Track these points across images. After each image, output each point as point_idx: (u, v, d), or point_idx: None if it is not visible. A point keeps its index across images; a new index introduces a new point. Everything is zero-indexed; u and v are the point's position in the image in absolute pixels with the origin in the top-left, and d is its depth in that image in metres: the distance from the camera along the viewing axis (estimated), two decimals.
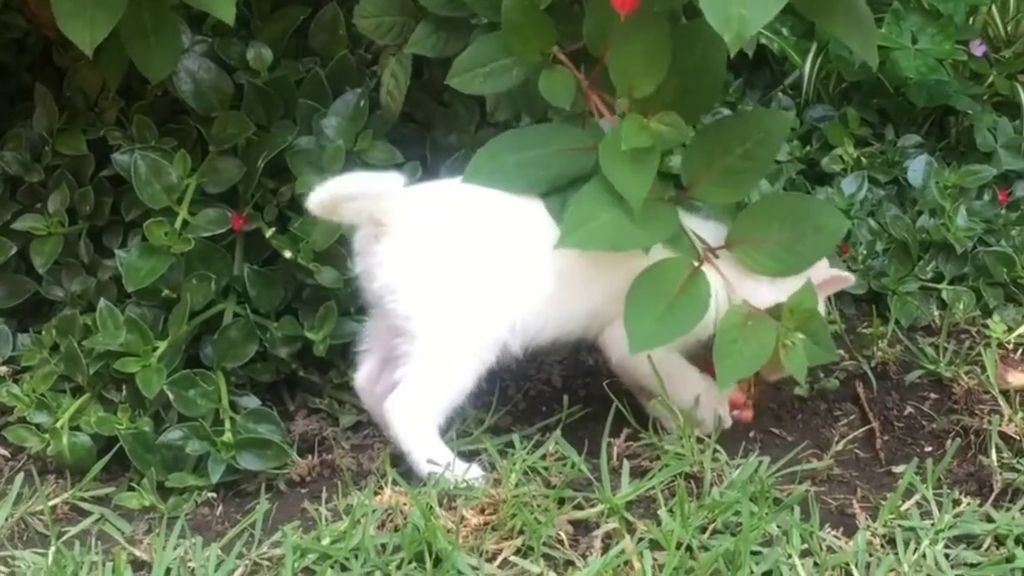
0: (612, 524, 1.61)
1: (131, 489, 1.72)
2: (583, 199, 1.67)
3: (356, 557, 1.55)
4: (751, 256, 1.74)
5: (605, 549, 1.58)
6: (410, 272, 1.70)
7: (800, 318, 1.69)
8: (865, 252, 2.22)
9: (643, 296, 1.68)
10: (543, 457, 1.74)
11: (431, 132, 2.08)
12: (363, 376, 1.80)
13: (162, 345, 1.81)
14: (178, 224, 1.87)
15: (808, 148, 2.47)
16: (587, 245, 1.67)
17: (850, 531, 1.63)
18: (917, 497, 1.69)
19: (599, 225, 1.66)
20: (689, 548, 1.56)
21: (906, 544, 1.59)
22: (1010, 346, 2.09)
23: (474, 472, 1.70)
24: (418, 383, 1.69)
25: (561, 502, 1.65)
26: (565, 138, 1.73)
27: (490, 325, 1.71)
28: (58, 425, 1.76)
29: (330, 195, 1.67)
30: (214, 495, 1.74)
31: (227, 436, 1.75)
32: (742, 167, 1.73)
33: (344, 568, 1.54)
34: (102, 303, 1.83)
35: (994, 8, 2.64)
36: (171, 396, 1.76)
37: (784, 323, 1.69)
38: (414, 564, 1.53)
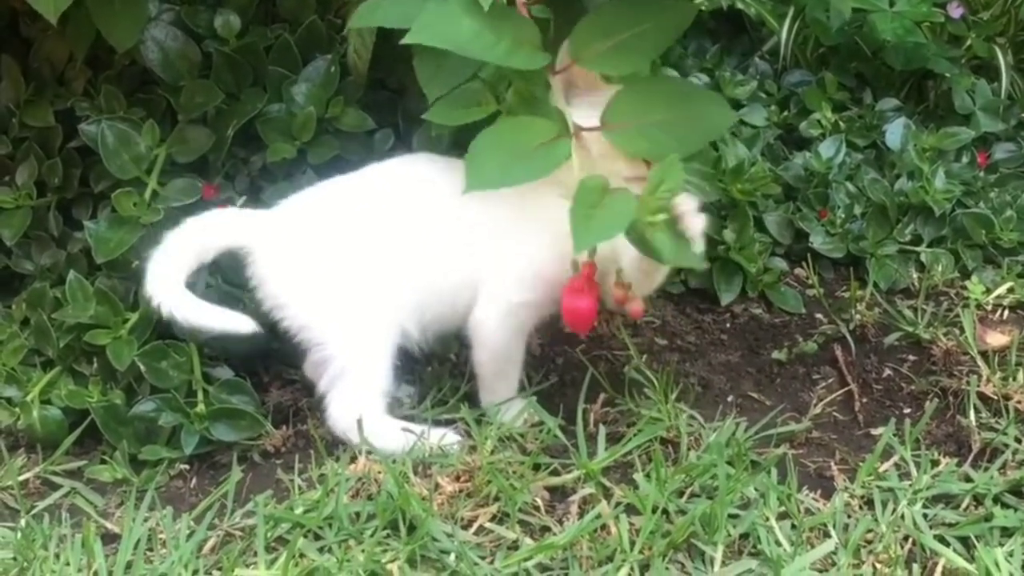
0: (588, 489, 1.61)
1: (103, 462, 1.70)
2: (447, 5, 1.59)
3: (330, 526, 1.53)
4: (624, 137, 1.64)
5: (581, 514, 1.57)
6: (287, 286, 1.72)
7: (662, 198, 1.56)
8: (843, 215, 2.21)
9: (496, 139, 1.61)
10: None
11: (403, 99, 2.05)
12: (309, 365, 1.81)
13: (133, 317, 1.78)
14: (147, 195, 1.85)
15: (786, 113, 2.45)
16: (436, 41, 1.59)
17: (828, 493, 1.62)
18: (895, 458, 1.69)
19: (457, 28, 1.58)
20: (666, 512, 1.55)
21: (884, 505, 1.59)
22: (988, 307, 2.08)
23: (450, 438, 1.68)
24: (344, 388, 1.70)
25: (537, 468, 1.64)
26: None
27: (380, 310, 1.70)
28: (28, 399, 1.73)
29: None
30: (187, 467, 1.72)
31: (200, 407, 1.73)
32: (633, 46, 1.65)
33: (317, 537, 1.53)
34: (71, 275, 1.81)
35: None
36: (143, 368, 1.73)
37: (645, 200, 1.57)
38: (388, 532, 1.52)
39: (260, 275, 1.73)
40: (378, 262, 1.70)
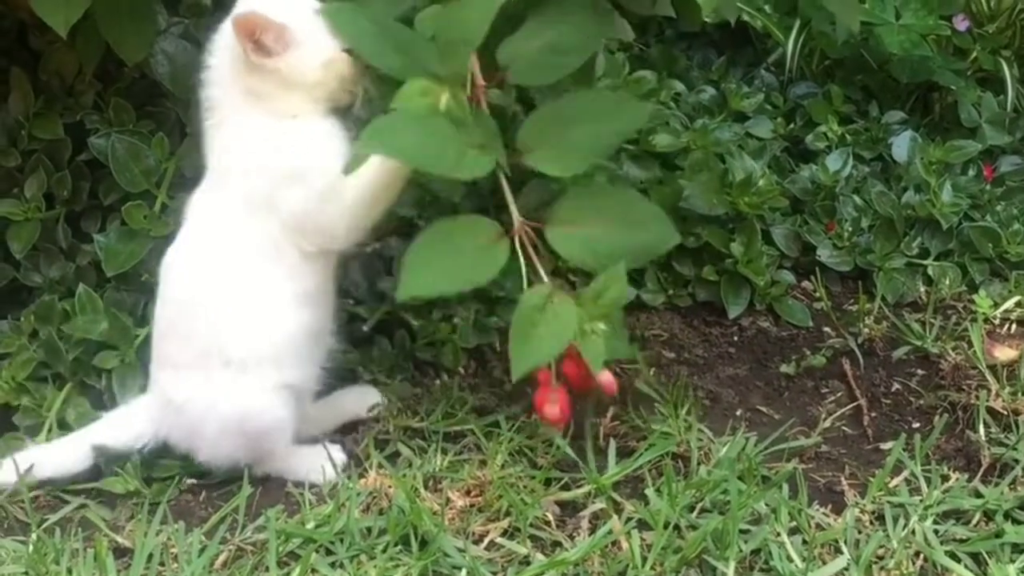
0: (599, 504, 1.61)
1: (114, 475, 1.69)
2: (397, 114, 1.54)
3: (341, 541, 1.53)
4: (566, 242, 1.60)
5: (593, 530, 1.57)
6: None
7: (605, 306, 1.58)
8: (851, 229, 2.21)
9: (432, 243, 1.55)
10: (529, 438, 1.73)
11: None
12: None
13: (142, 333, 1.78)
14: (157, 207, 1.85)
15: (792, 125, 2.46)
16: (391, 153, 1.55)
17: (839, 508, 1.62)
18: (906, 473, 1.68)
19: (408, 142, 1.53)
20: (677, 527, 1.56)
21: (895, 520, 1.59)
22: (996, 321, 2.08)
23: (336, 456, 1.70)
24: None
25: (547, 483, 1.64)
26: None
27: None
28: (44, 423, 1.74)
29: None
30: (196, 481, 1.71)
31: None
32: (581, 144, 1.61)
33: (329, 552, 1.53)
34: (81, 288, 1.81)
35: None
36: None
37: (587, 309, 1.57)
38: (400, 547, 1.52)
39: None
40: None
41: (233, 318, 1.62)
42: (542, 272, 1.61)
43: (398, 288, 1.52)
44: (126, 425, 1.69)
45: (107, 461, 1.68)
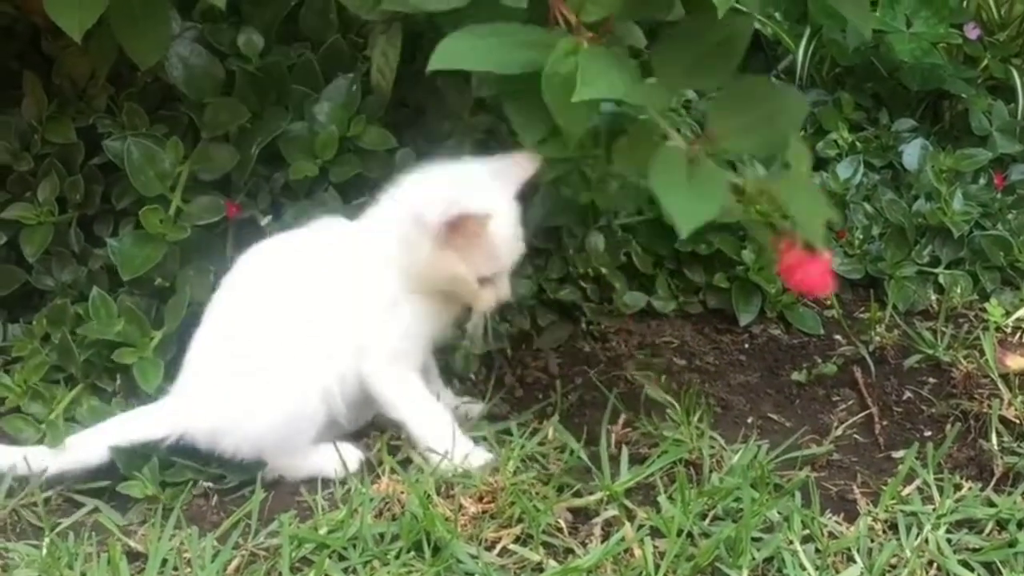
0: (612, 511, 1.61)
1: (131, 478, 1.69)
2: (590, 60, 1.56)
3: (354, 546, 1.54)
4: (728, 143, 1.66)
5: (605, 537, 1.57)
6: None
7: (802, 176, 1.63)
8: (861, 237, 2.21)
9: (665, 181, 1.56)
10: (541, 444, 1.73)
11: (424, 118, 2.06)
12: None
13: (158, 335, 1.79)
14: (172, 212, 1.85)
15: (802, 133, 2.45)
16: (607, 93, 1.58)
17: (851, 516, 1.62)
18: (918, 482, 1.69)
19: (612, 80, 1.56)
20: (690, 535, 1.56)
21: (908, 529, 1.59)
22: (1008, 330, 2.08)
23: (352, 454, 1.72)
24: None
25: (560, 489, 1.64)
26: (522, 32, 1.63)
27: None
28: (52, 417, 1.73)
29: None
30: (209, 485, 1.71)
31: None
32: (709, 64, 1.67)
33: (342, 558, 1.53)
34: (95, 291, 1.81)
35: None
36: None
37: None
38: (413, 553, 1.53)
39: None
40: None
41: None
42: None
43: (679, 228, 1.51)
44: (144, 422, 1.70)
45: (127, 459, 1.68)
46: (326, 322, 1.68)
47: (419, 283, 1.67)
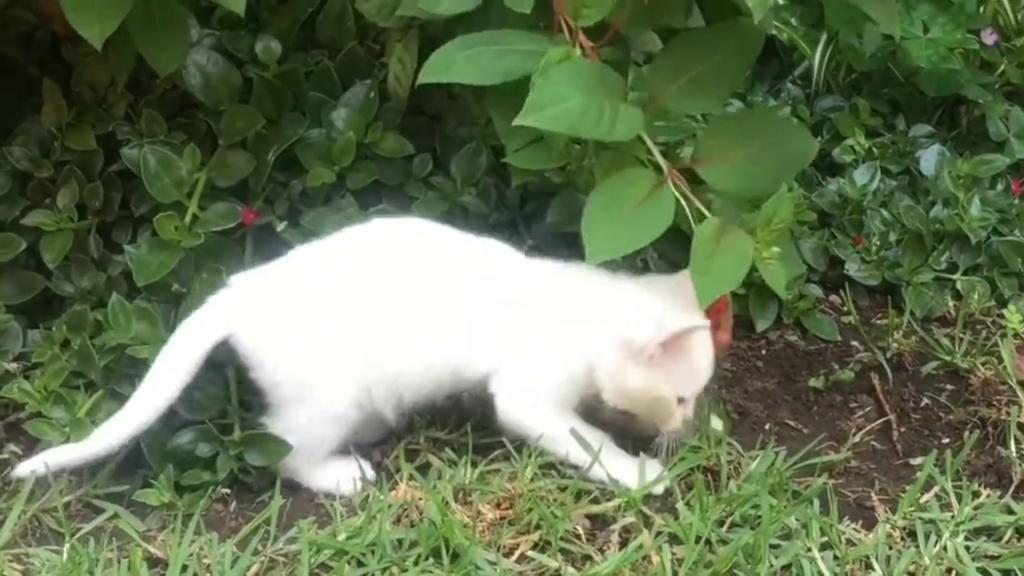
0: (629, 518, 1.61)
1: (146, 486, 1.70)
2: (552, 81, 1.60)
3: (373, 553, 1.54)
4: (716, 174, 1.68)
5: (623, 544, 1.57)
6: (266, 345, 1.70)
7: (776, 231, 1.62)
8: (879, 243, 2.21)
9: (602, 204, 1.62)
10: None
11: (441, 124, 2.07)
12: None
13: None
14: (188, 218, 1.86)
15: (819, 139, 2.45)
16: (548, 125, 1.60)
17: (869, 524, 1.62)
18: (936, 489, 1.68)
19: (566, 108, 1.59)
20: (708, 542, 1.56)
21: (926, 536, 1.59)
22: None
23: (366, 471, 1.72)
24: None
25: (577, 496, 1.64)
26: (515, 39, 1.67)
27: (343, 380, 1.69)
28: (77, 417, 1.74)
29: None
30: (227, 491, 1.72)
31: (236, 434, 1.73)
32: (710, 79, 1.69)
33: (360, 564, 1.53)
34: (114, 298, 1.81)
35: None
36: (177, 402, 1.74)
37: (759, 236, 1.62)
38: (431, 560, 1.53)
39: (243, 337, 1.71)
40: (355, 331, 1.68)
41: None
42: (704, 209, 1.65)
43: (587, 253, 1.58)
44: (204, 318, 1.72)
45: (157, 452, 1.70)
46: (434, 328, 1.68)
47: (618, 398, 1.67)
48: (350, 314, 1.67)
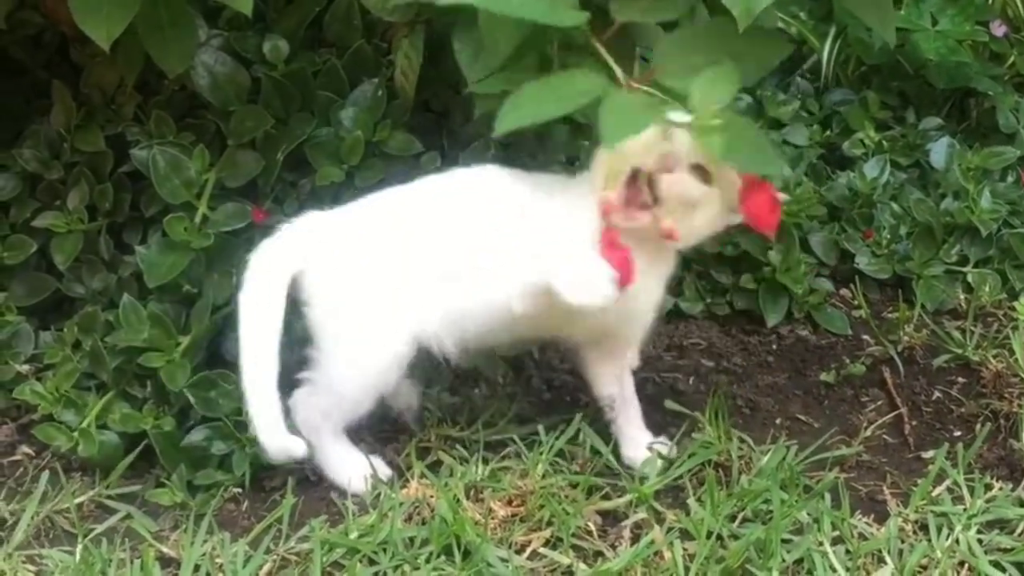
0: (641, 514, 1.61)
1: (160, 486, 1.70)
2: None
3: (384, 551, 1.54)
4: (677, 81, 1.54)
5: (635, 539, 1.57)
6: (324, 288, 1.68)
7: (713, 103, 1.49)
8: (889, 236, 2.21)
9: (540, 88, 1.54)
10: (571, 445, 1.73)
11: (448, 121, 2.07)
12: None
13: (185, 340, 1.80)
14: (198, 219, 1.86)
15: (828, 132, 2.45)
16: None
17: (881, 517, 1.62)
18: (948, 482, 1.68)
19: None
20: (719, 537, 1.56)
21: (939, 530, 1.58)
22: None
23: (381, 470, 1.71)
24: (320, 395, 1.69)
25: (589, 492, 1.64)
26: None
27: (390, 345, 1.67)
28: (85, 424, 1.75)
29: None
30: (239, 490, 1.72)
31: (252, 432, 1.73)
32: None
33: (372, 562, 1.53)
34: (125, 299, 1.82)
35: None
36: (192, 399, 1.74)
37: (699, 108, 1.49)
38: (443, 557, 1.53)
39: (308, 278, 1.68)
40: (410, 274, 1.66)
41: None
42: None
43: (496, 124, 1.50)
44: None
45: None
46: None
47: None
48: (416, 252, 1.65)
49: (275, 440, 1.63)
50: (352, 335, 1.67)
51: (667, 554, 1.53)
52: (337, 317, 1.68)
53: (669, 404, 1.84)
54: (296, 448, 1.63)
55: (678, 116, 1.51)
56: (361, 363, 1.67)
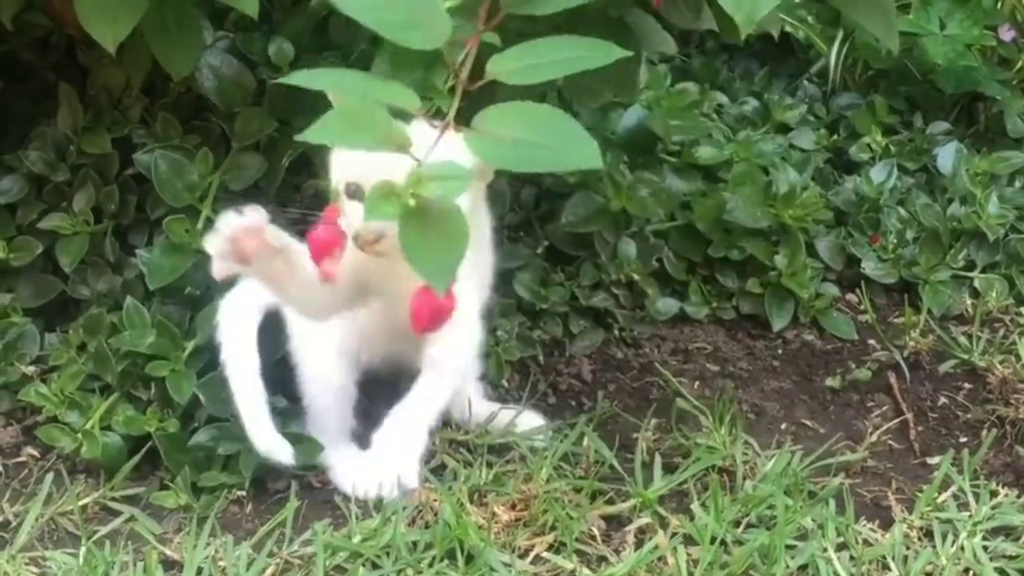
0: (645, 519, 1.61)
1: (164, 488, 1.70)
2: None
3: (388, 555, 1.54)
4: (483, 143, 1.30)
5: (638, 544, 1.57)
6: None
7: None
8: (895, 241, 2.20)
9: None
10: (575, 450, 1.73)
11: None
12: None
13: (190, 345, 1.80)
14: (201, 222, 1.86)
15: (835, 137, 2.45)
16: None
17: (886, 524, 1.61)
18: (954, 488, 1.67)
19: None
20: (723, 542, 1.55)
21: (944, 536, 1.58)
22: None
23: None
24: None
25: (593, 497, 1.64)
26: None
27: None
28: (89, 426, 1.74)
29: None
30: (243, 493, 1.72)
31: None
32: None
33: (376, 566, 1.53)
34: (129, 301, 1.82)
35: None
36: (202, 398, 1.74)
37: None
38: (446, 561, 1.53)
39: None
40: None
41: None
42: None
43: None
44: None
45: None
46: None
47: None
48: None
49: (268, 442, 1.68)
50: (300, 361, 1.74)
51: (671, 559, 1.53)
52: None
53: (674, 408, 1.83)
54: (284, 453, 1.68)
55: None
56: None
